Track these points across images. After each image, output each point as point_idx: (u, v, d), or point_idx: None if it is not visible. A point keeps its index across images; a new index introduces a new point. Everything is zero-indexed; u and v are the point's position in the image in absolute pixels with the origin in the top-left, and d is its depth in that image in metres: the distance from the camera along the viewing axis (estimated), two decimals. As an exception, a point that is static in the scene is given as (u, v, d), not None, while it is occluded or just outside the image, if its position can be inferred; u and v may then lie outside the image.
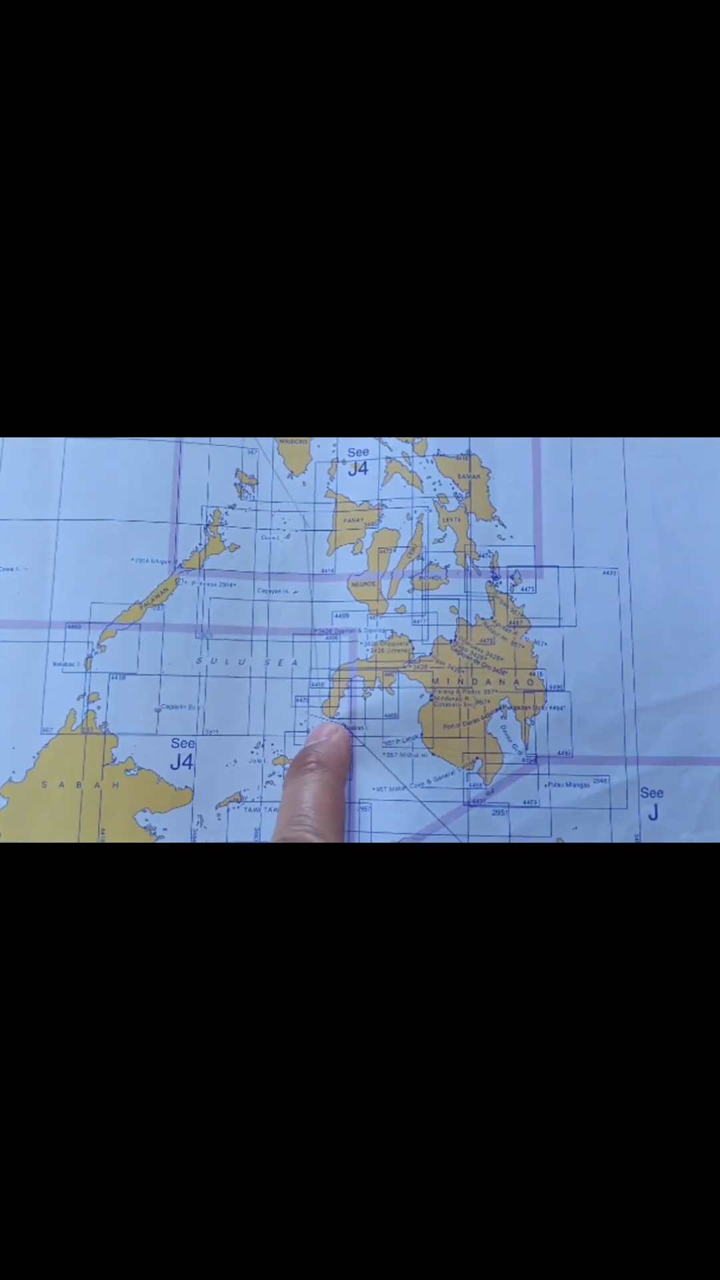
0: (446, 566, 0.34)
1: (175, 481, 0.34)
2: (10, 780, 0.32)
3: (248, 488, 0.35)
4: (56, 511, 0.34)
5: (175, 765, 0.33)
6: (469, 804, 0.32)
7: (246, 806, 0.33)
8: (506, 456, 0.35)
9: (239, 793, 0.33)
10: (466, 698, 0.33)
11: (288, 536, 0.35)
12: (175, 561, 0.34)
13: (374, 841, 0.32)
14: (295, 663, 0.34)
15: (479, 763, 0.33)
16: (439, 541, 0.34)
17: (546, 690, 0.33)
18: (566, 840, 0.32)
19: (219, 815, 0.33)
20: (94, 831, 0.32)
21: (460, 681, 0.33)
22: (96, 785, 0.32)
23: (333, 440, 0.36)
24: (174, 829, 0.32)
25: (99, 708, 0.33)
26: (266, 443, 0.36)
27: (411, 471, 0.35)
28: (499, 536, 0.34)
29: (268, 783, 0.33)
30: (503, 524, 0.34)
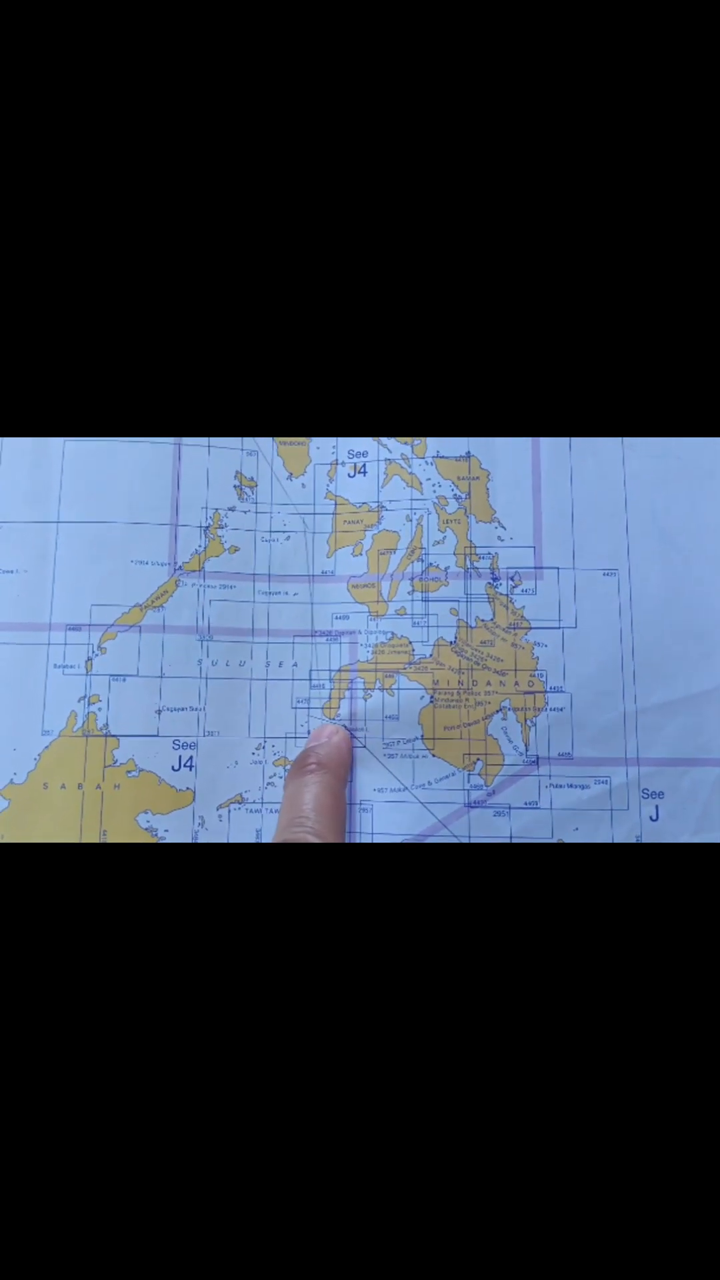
0: (446, 568, 0.34)
1: (175, 483, 0.34)
2: (11, 782, 0.32)
3: (247, 490, 0.35)
4: (56, 514, 0.34)
5: (176, 767, 0.33)
6: (470, 805, 0.32)
7: (248, 808, 0.33)
8: (506, 458, 0.35)
9: (240, 794, 0.33)
10: (467, 699, 0.33)
11: (287, 538, 0.35)
12: (175, 563, 0.34)
13: (375, 842, 0.32)
14: (295, 664, 0.34)
15: (479, 764, 0.33)
16: (439, 543, 0.34)
17: (547, 691, 0.33)
18: (567, 841, 0.32)
19: (220, 817, 0.33)
20: (95, 833, 0.32)
21: (460, 683, 0.33)
22: (98, 787, 0.32)
23: (332, 442, 0.36)
24: (175, 830, 0.32)
25: (100, 709, 0.33)
26: (266, 445, 0.36)
27: (411, 473, 0.35)
28: (499, 538, 0.34)
29: (269, 784, 0.33)
30: (502, 525, 0.34)
